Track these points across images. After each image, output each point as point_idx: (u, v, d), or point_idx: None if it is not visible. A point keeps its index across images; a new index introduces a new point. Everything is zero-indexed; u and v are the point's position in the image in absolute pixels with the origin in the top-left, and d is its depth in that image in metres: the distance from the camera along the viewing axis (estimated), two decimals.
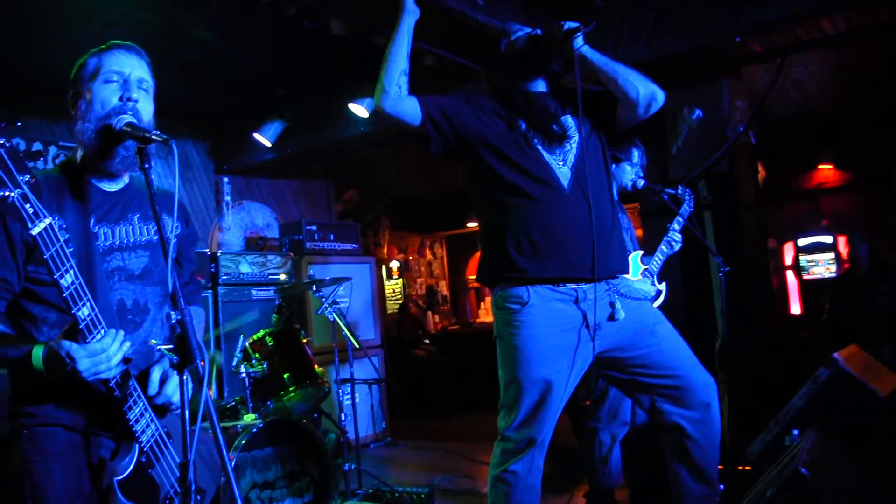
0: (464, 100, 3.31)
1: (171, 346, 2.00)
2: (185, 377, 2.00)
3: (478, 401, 8.81)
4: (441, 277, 15.19)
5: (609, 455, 4.55)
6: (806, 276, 10.97)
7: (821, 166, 11.33)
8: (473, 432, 8.09)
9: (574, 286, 3.17)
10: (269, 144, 7.54)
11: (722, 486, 3.60)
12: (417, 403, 10.10)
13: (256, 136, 7.52)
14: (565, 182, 3.17)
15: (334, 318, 5.64)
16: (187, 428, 1.96)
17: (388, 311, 12.68)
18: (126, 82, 2.36)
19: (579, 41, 3.17)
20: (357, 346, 5.74)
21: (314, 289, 5.73)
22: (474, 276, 14.57)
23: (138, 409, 2.25)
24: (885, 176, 9.86)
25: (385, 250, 13.38)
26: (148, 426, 2.28)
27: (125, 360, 2.16)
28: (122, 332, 2.14)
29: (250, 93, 7.41)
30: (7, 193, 1.87)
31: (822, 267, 10.89)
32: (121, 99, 2.33)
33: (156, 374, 2.31)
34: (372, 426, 8.02)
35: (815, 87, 8.15)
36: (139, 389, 2.26)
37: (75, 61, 2.44)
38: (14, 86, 6.30)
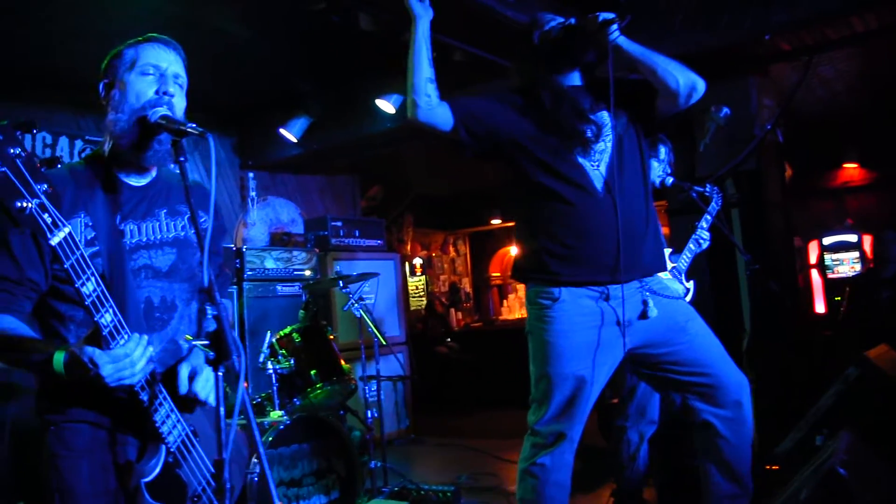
0: (496, 100, 3.27)
1: (206, 342, 1.98)
2: (220, 373, 1.98)
3: (500, 398, 8.84)
4: (464, 274, 15.16)
5: (637, 453, 4.53)
6: (830, 275, 10.89)
7: (846, 165, 11.26)
8: (495, 429, 8.10)
9: (606, 286, 3.16)
10: (294, 140, 7.55)
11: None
12: (440, 400, 10.12)
13: (282, 131, 7.53)
14: (599, 185, 3.14)
15: (361, 315, 5.63)
16: (223, 424, 1.94)
17: (412, 308, 12.68)
18: (163, 76, 2.34)
19: (614, 32, 3.09)
20: (384, 342, 5.73)
21: (340, 285, 5.72)
22: (497, 274, 14.56)
23: (165, 410, 2.23)
24: None
25: (409, 247, 13.37)
26: (175, 426, 2.27)
27: None
28: (145, 337, 2.13)
29: (276, 88, 7.43)
30: (25, 205, 1.83)
31: (847, 266, 10.80)
32: (157, 92, 2.30)
33: (184, 371, 2.30)
34: (396, 423, 8.04)
35: (842, 85, 8.08)
36: (165, 391, 2.25)
37: (102, 55, 2.42)
38: (41, 79, 6.34)
